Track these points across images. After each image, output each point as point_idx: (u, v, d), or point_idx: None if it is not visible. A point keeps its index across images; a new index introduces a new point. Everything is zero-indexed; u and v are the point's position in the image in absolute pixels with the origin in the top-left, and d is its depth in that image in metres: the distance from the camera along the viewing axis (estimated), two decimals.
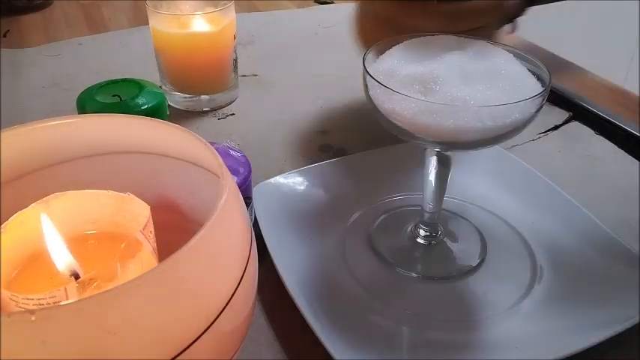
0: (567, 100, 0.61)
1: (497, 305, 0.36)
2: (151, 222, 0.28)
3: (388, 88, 0.32)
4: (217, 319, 0.22)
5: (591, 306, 0.35)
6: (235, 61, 0.60)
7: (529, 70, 0.34)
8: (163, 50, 0.58)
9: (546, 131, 0.57)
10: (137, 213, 0.29)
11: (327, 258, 0.39)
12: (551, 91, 0.33)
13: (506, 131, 0.32)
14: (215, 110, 0.60)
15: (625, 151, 0.54)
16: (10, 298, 0.24)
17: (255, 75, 0.68)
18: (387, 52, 0.36)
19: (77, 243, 0.28)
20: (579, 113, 0.59)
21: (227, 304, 0.23)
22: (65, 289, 0.24)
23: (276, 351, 0.34)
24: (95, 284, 0.25)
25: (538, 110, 0.33)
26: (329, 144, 0.55)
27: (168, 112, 0.53)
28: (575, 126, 0.58)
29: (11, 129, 0.28)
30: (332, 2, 0.81)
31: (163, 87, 0.59)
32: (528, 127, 0.34)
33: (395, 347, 0.34)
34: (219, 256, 0.23)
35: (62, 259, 0.27)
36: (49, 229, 0.27)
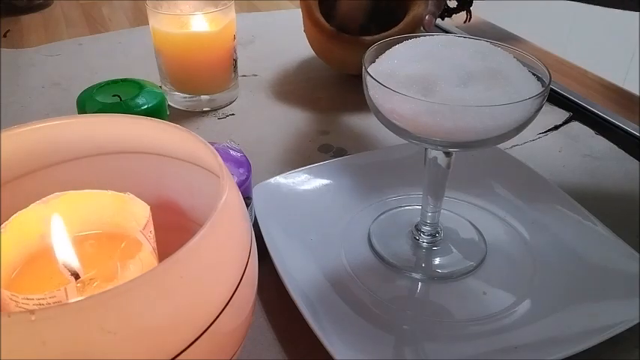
0: (567, 100, 0.61)
1: (497, 305, 0.36)
2: (151, 222, 0.28)
3: (388, 88, 0.32)
4: (217, 319, 0.22)
5: (591, 306, 0.35)
6: (235, 61, 0.60)
7: (529, 70, 0.34)
8: (163, 50, 0.58)
9: (546, 131, 0.57)
10: (137, 213, 0.29)
11: (326, 258, 0.39)
12: (551, 91, 0.33)
13: (506, 131, 0.32)
14: (215, 110, 0.60)
15: (625, 151, 0.54)
16: (10, 298, 0.24)
17: (255, 75, 0.68)
18: (387, 52, 0.36)
19: (77, 243, 0.28)
20: (579, 113, 0.60)
21: (227, 304, 0.23)
22: (65, 289, 0.24)
23: (277, 351, 0.34)
24: (95, 284, 0.25)
25: (538, 110, 0.33)
26: (329, 144, 0.55)
27: (168, 112, 0.53)
28: (575, 126, 0.58)
29: (11, 129, 0.28)
30: None
31: (163, 87, 0.59)
32: (528, 127, 0.34)
33: (395, 347, 0.34)
34: (219, 256, 0.23)
35: (67, 258, 0.27)
36: (58, 228, 0.27)
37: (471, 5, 0.70)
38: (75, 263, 0.27)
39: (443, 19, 0.73)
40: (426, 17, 0.59)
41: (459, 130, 0.31)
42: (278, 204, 0.42)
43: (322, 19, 0.60)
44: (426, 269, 0.40)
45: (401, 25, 0.59)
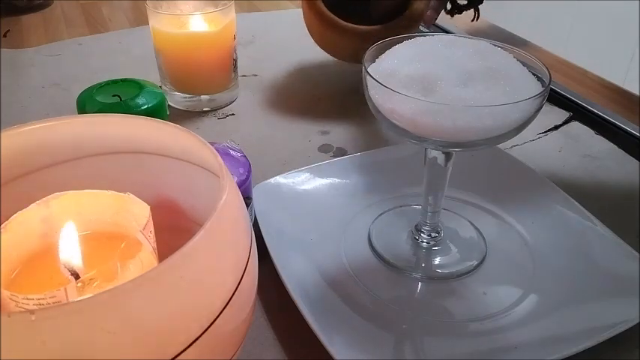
0: (567, 100, 0.61)
1: (497, 305, 0.36)
2: (151, 222, 0.28)
3: (388, 88, 0.32)
4: (217, 319, 0.22)
5: (591, 306, 0.35)
6: (235, 61, 0.60)
7: (529, 70, 0.34)
8: (163, 50, 0.58)
9: (546, 131, 0.57)
10: (137, 213, 0.29)
11: (327, 258, 0.39)
12: (551, 91, 0.33)
13: (506, 131, 0.32)
14: (215, 110, 0.60)
15: (625, 151, 0.54)
16: (10, 298, 0.24)
17: (255, 75, 0.68)
18: (387, 52, 0.36)
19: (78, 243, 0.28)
20: (579, 113, 0.59)
21: (227, 304, 0.23)
22: (65, 289, 0.24)
23: (277, 351, 0.34)
24: (95, 284, 0.25)
25: (538, 110, 0.33)
26: (329, 144, 0.55)
27: (168, 112, 0.53)
28: (575, 126, 0.58)
29: (11, 129, 0.28)
30: None
31: (163, 87, 0.59)
32: (528, 127, 0.34)
33: (395, 347, 0.34)
34: (219, 256, 0.23)
35: (69, 257, 0.27)
36: (70, 230, 0.27)
37: (480, 3, 0.70)
38: (75, 263, 0.27)
39: (452, 16, 0.72)
40: (428, 12, 0.58)
41: (458, 130, 0.31)
42: (278, 204, 0.42)
43: (322, 6, 0.59)
44: (426, 269, 0.40)
45: (400, 18, 0.59)
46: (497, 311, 0.36)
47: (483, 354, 0.33)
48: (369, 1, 0.63)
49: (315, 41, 0.65)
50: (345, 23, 0.58)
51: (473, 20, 0.72)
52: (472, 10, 0.71)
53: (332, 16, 0.59)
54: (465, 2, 0.70)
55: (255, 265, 0.27)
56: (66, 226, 0.28)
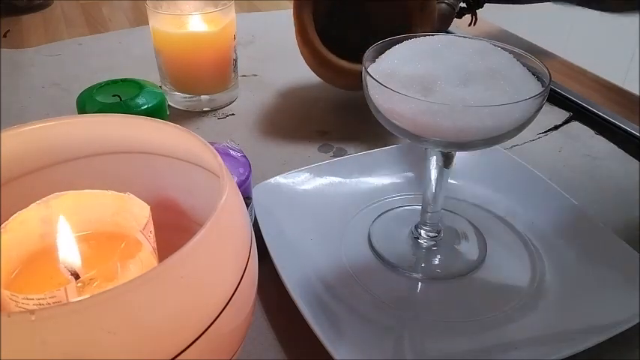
0: (567, 100, 0.61)
1: (498, 305, 0.36)
2: (151, 222, 0.28)
3: (388, 88, 0.32)
4: (217, 319, 0.22)
5: (592, 306, 0.35)
6: (235, 61, 0.60)
7: (529, 70, 0.34)
8: (163, 50, 0.58)
9: (546, 131, 0.57)
10: (137, 213, 0.29)
11: (327, 258, 0.39)
12: (551, 91, 0.33)
13: (506, 131, 0.32)
14: (215, 110, 0.60)
15: (625, 151, 0.54)
16: (10, 298, 0.24)
17: (255, 75, 0.68)
18: (387, 52, 0.36)
19: (77, 243, 0.28)
20: (579, 113, 0.60)
21: (227, 304, 0.23)
22: (65, 289, 0.24)
23: (277, 351, 0.34)
24: (95, 284, 0.25)
25: (538, 110, 0.33)
26: (329, 144, 0.55)
27: (168, 112, 0.53)
28: (575, 126, 0.58)
29: (11, 129, 0.28)
30: None
31: (163, 87, 0.59)
32: (528, 127, 0.34)
33: (395, 347, 0.34)
34: (219, 256, 0.23)
35: (68, 257, 0.27)
36: (64, 228, 0.27)
37: (480, 7, 0.70)
38: (75, 263, 0.27)
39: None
40: None
41: (458, 130, 0.31)
42: (278, 204, 0.42)
43: (317, 40, 0.56)
44: (426, 269, 0.40)
45: None
46: (497, 311, 0.36)
47: (483, 354, 0.33)
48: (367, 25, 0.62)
49: (309, 67, 0.61)
50: (341, 62, 0.55)
51: (470, 25, 0.72)
52: (470, 14, 0.71)
53: (328, 55, 0.56)
54: (466, 6, 0.70)
55: (255, 265, 0.27)
56: (65, 226, 0.28)
